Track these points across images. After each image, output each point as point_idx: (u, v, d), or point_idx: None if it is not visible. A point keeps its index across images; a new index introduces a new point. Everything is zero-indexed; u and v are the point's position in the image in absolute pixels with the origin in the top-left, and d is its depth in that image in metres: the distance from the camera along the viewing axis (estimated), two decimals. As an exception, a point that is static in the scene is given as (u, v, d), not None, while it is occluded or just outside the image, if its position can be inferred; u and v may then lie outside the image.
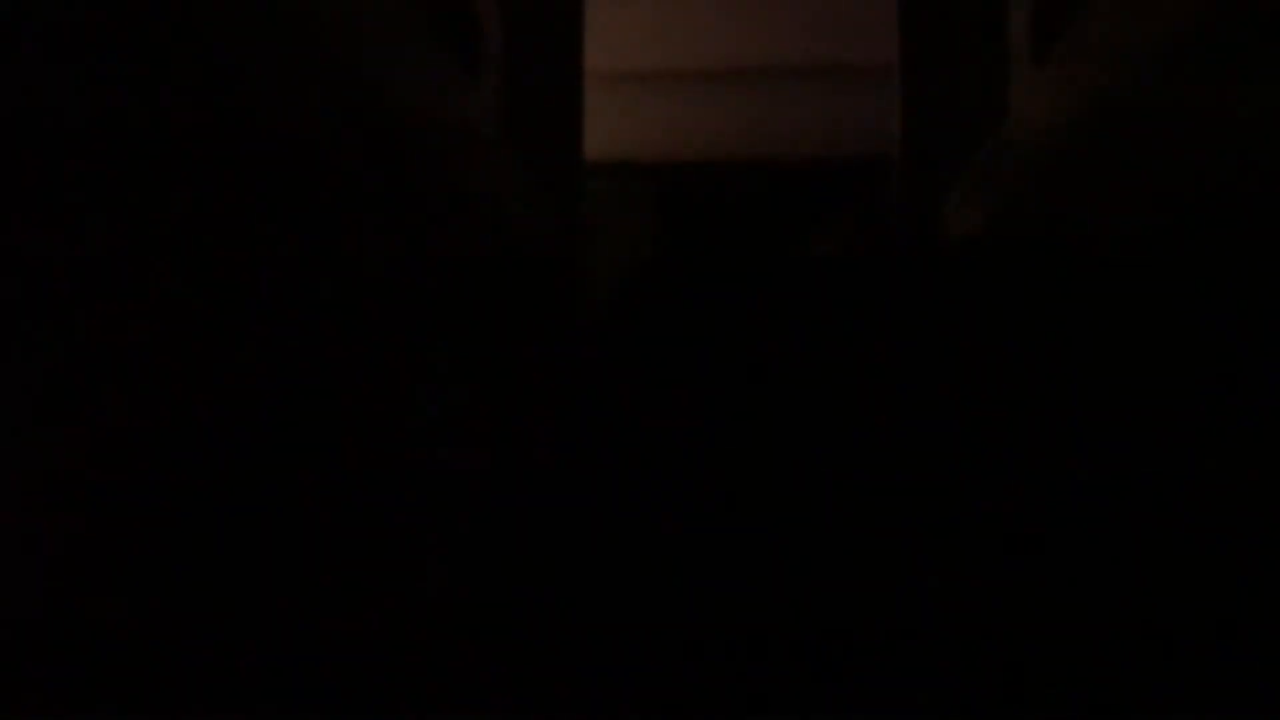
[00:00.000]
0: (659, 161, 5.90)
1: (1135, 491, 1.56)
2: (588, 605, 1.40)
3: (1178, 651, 1.33)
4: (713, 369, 1.86)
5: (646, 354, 1.94)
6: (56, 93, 0.93)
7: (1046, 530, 1.47)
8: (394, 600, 1.60)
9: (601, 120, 5.89)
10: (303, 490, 1.37)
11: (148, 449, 1.07)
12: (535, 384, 2.58)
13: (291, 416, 1.34)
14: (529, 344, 2.63)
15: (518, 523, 1.51)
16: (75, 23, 0.94)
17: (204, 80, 1.16)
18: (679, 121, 5.89)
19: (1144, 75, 1.76)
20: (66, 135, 0.95)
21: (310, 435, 1.39)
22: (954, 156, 3.67)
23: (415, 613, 1.53)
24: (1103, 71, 1.94)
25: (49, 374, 0.93)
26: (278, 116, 1.32)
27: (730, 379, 1.83)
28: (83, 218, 0.97)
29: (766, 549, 1.45)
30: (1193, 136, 1.63)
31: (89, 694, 0.98)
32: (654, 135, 5.89)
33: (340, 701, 1.38)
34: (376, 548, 1.60)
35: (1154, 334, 1.73)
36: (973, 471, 1.62)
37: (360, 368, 1.57)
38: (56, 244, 0.93)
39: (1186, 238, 1.63)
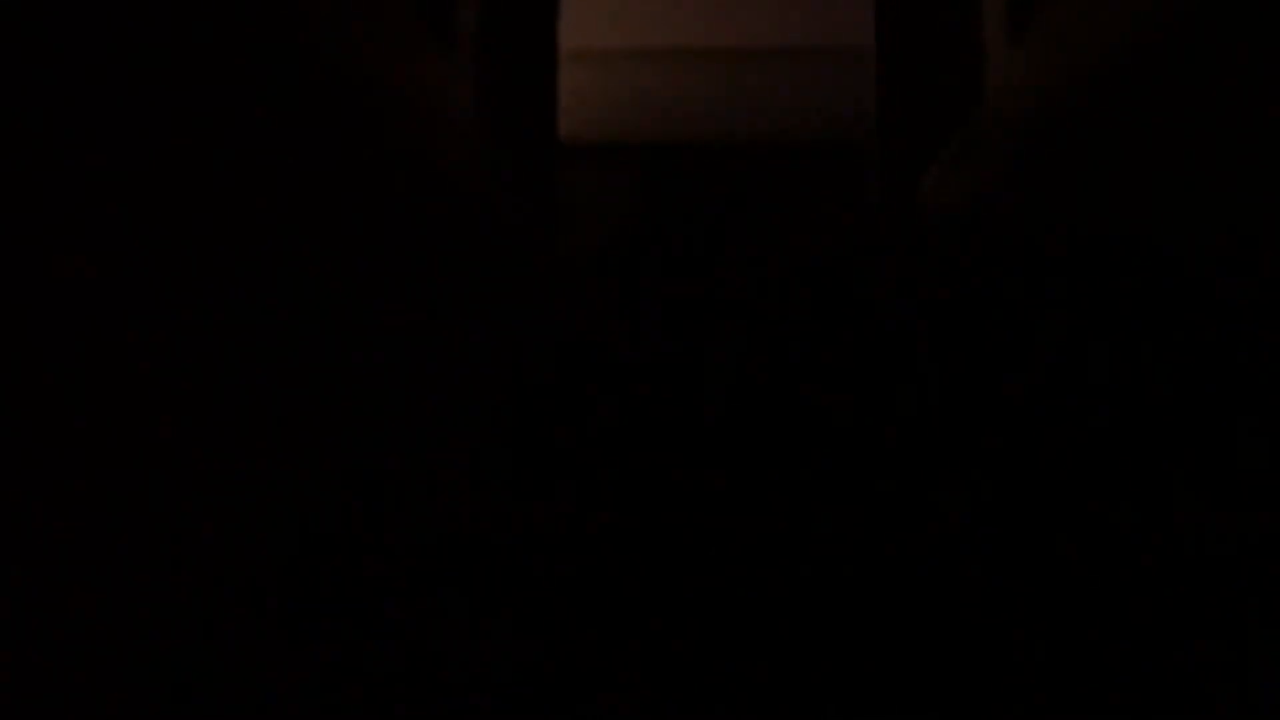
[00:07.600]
0: (636, 143, 5.89)
1: (1112, 474, 1.56)
2: (566, 573, 1.40)
3: (1173, 651, 1.33)
4: (690, 350, 1.85)
5: (623, 336, 1.94)
6: (56, 88, 0.93)
7: (1038, 522, 1.48)
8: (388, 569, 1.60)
9: (579, 101, 5.88)
10: (291, 468, 1.37)
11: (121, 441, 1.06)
12: (510, 362, 2.58)
13: (279, 389, 1.34)
14: (506, 318, 2.63)
15: (500, 510, 1.51)
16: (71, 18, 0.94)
17: (182, 56, 1.15)
18: (655, 102, 5.89)
19: (1119, 56, 1.77)
20: (61, 130, 0.94)
21: (295, 406, 1.39)
22: (930, 137, 3.67)
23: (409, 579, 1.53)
24: (1079, 52, 1.94)
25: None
26: (252, 91, 1.32)
27: (707, 360, 1.83)
28: (74, 211, 0.96)
29: (740, 523, 1.45)
30: (1167, 116, 1.63)
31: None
32: (631, 116, 5.89)
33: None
34: (370, 525, 1.59)
35: (1129, 311, 1.73)
36: (947, 441, 1.62)
37: (335, 341, 1.56)
38: (52, 240, 0.93)
39: (1162, 217, 1.63)
